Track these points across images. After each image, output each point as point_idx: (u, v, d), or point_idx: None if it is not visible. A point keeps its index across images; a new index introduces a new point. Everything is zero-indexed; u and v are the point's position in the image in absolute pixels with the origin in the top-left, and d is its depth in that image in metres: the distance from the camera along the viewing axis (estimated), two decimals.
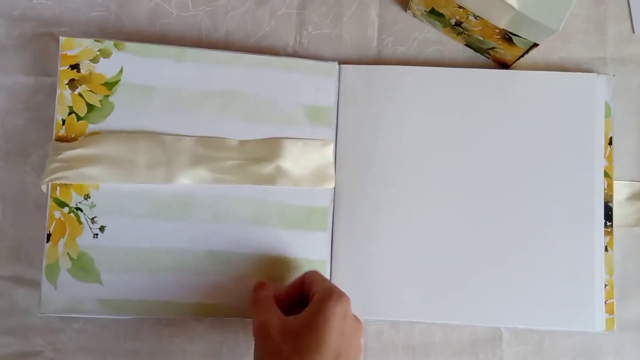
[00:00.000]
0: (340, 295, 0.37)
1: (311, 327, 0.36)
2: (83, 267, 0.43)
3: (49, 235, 0.43)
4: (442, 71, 0.47)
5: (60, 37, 0.44)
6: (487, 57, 0.48)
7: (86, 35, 0.48)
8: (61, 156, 0.43)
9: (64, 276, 0.43)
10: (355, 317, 0.38)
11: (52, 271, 0.43)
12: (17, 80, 0.47)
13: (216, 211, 0.44)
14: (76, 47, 0.44)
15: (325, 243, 0.45)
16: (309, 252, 0.45)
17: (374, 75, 0.47)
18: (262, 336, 0.37)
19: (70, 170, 0.43)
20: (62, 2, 0.48)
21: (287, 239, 0.45)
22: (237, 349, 0.46)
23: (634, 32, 0.49)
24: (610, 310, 0.45)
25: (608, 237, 0.45)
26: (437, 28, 0.48)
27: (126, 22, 0.48)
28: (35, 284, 0.45)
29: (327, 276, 0.45)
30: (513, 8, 0.38)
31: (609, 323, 0.45)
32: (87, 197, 0.44)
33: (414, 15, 0.49)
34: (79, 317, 0.46)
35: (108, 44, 0.44)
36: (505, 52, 0.45)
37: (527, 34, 0.41)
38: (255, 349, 0.37)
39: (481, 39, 0.45)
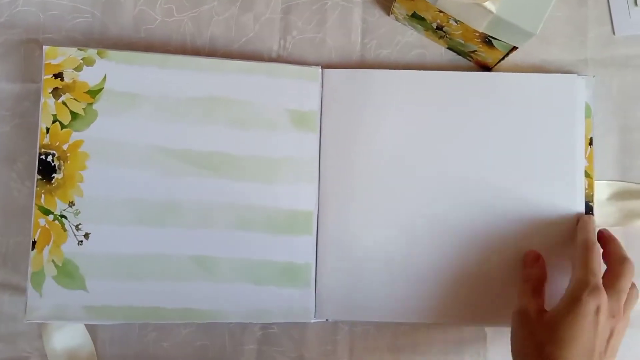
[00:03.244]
0: (593, 290, 0.38)
1: (565, 321, 0.38)
2: (68, 274, 0.43)
3: (34, 243, 0.43)
4: (424, 74, 0.47)
5: (44, 47, 0.44)
6: (469, 60, 0.49)
7: (71, 41, 0.48)
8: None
9: (49, 283, 0.43)
10: (614, 315, 0.38)
11: (38, 279, 0.43)
12: (2, 87, 0.48)
13: (201, 216, 0.45)
14: (60, 56, 0.44)
15: (311, 246, 0.46)
16: (294, 255, 0.45)
17: (357, 79, 0.47)
18: (520, 322, 0.40)
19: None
20: (47, 8, 0.48)
21: (272, 242, 0.45)
22: (223, 353, 0.47)
23: (614, 34, 0.49)
24: None
25: None
26: (419, 32, 0.49)
27: (111, 28, 0.48)
28: (22, 290, 0.46)
29: (312, 278, 0.45)
30: (491, 12, 0.39)
31: None
32: (71, 204, 0.44)
33: (397, 19, 0.49)
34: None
35: (91, 52, 0.45)
36: (486, 55, 0.46)
37: (506, 38, 0.41)
38: (512, 331, 0.41)
39: (462, 42, 0.46)
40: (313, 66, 0.47)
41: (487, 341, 0.47)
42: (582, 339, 0.37)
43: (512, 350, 0.40)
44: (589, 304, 0.37)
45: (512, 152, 0.46)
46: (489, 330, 0.47)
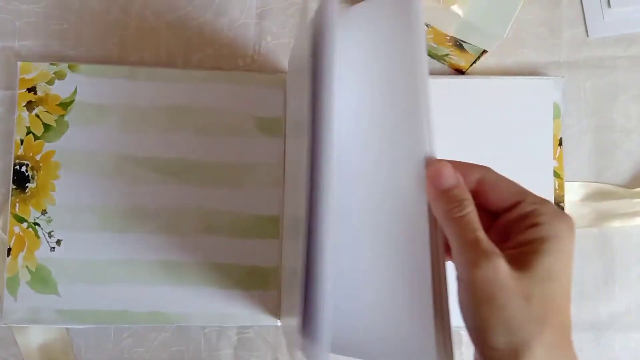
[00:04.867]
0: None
1: None
2: (41, 279, 0.44)
3: (9, 250, 0.44)
4: None
5: (18, 62, 0.46)
6: (443, 63, 0.49)
7: (47, 48, 0.48)
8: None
9: (23, 288, 0.44)
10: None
11: (13, 284, 0.44)
12: None
13: (168, 222, 0.45)
14: (33, 71, 0.46)
15: (277, 250, 0.46)
16: (260, 259, 0.45)
17: None
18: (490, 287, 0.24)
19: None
20: (21, 16, 0.48)
21: (238, 246, 0.45)
22: (198, 358, 0.47)
23: (588, 35, 0.50)
24: None
25: None
26: None
27: (85, 34, 0.48)
28: None
29: (278, 282, 0.45)
30: (459, 16, 0.39)
31: None
32: (44, 212, 0.45)
33: None
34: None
35: (63, 66, 0.46)
36: (458, 58, 0.46)
37: (475, 41, 0.42)
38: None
39: (435, 46, 0.46)
40: (278, 73, 0.47)
41: (463, 344, 0.47)
42: None
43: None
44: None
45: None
46: (465, 334, 0.47)
